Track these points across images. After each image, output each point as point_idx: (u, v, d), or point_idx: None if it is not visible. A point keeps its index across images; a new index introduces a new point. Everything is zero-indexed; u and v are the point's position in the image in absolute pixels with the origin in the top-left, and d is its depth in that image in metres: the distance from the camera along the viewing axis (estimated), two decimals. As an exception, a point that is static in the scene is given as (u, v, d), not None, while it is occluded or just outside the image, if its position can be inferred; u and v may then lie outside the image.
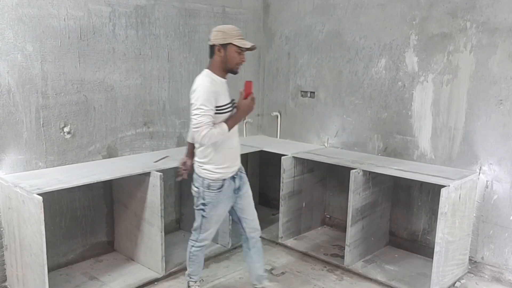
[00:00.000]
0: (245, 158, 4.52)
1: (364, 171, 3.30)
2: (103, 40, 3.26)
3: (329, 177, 4.19)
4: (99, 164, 3.23)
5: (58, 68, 3.04)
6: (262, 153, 4.29)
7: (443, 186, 2.84)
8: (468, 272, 3.32)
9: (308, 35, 4.14)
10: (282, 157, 3.68)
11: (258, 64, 4.58)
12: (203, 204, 2.57)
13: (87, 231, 3.41)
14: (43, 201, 2.44)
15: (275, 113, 4.52)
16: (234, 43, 2.38)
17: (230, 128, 2.42)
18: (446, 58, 3.30)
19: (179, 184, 4.00)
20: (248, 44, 2.42)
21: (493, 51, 3.07)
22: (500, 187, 3.15)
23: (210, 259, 3.48)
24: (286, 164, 3.69)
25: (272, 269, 3.35)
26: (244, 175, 2.69)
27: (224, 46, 2.40)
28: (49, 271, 2.62)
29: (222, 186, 2.52)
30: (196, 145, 2.54)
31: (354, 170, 3.26)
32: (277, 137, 4.56)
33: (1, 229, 2.88)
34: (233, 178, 2.58)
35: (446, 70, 3.31)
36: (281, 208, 3.77)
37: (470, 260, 3.33)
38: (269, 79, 4.56)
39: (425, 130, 3.47)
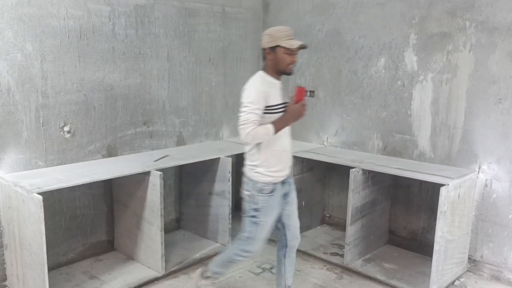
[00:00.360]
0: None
1: (363, 170, 3.31)
2: (102, 39, 3.26)
3: (328, 176, 4.19)
4: (99, 163, 3.24)
5: (58, 67, 3.04)
6: (261, 152, 4.29)
7: (443, 185, 2.85)
8: (467, 270, 3.33)
9: (307, 34, 4.14)
10: (282, 156, 3.68)
11: (258, 64, 4.57)
12: (256, 210, 2.46)
13: (87, 230, 3.41)
14: (43, 200, 2.45)
15: (274, 112, 4.52)
16: (281, 45, 2.35)
17: (276, 130, 2.36)
18: (445, 57, 3.31)
19: (179, 183, 4.00)
20: (295, 45, 2.35)
21: (492, 50, 3.08)
22: (499, 186, 3.16)
23: (210, 258, 3.48)
24: (286, 163, 3.69)
25: (272, 268, 3.36)
26: (292, 181, 2.64)
27: (273, 48, 2.38)
28: (49, 270, 2.62)
29: (273, 190, 2.47)
30: (246, 148, 2.50)
31: (353, 169, 3.27)
32: (276, 136, 4.55)
33: (1, 228, 2.88)
34: (282, 183, 2.53)
35: (445, 69, 3.32)
36: (281, 207, 3.77)
37: (469, 258, 3.34)
38: (268, 78, 4.56)
39: (424, 129, 3.48)
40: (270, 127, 2.35)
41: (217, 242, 3.70)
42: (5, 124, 2.85)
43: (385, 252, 3.67)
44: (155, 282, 3.13)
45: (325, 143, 4.15)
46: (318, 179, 4.10)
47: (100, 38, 3.24)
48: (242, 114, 2.33)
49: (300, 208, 3.91)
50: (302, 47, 2.39)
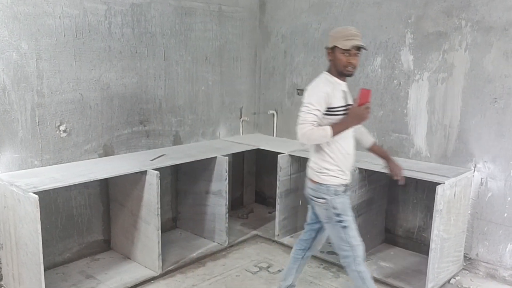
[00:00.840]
0: (242, 157, 4.53)
1: (360, 168, 3.31)
2: (98, 38, 3.25)
3: (325, 175, 4.19)
4: (95, 162, 3.23)
5: (54, 66, 3.03)
6: (258, 151, 4.29)
7: (438, 184, 2.86)
8: (463, 268, 3.35)
9: (304, 33, 4.14)
10: (279, 155, 3.68)
11: (255, 63, 4.58)
12: (338, 215, 2.38)
13: (83, 229, 3.40)
14: (39, 200, 2.44)
15: (271, 112, 4.53)
16: (337, 45, 2.31)
17: (335, 133, 2.27)
18: (441, 57, 3.32)
19: (176, 182, 4.00)
20: (347, 45, 2.26)
21: (487, 49, 3.09)
22: (494, 184, 3.17)
23: (207, 257, 3.49)
24: (283, 162, 3.69)
25: (269, 266, 3.36)
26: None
27: (332, 49, 2.35)
28: (45, 269, 2.60)
29: (346, 190, 2.44)
30: (313, 151, 2.45)
31: (350, 168, 3.27)
32: (273, 135, 4.56)
33: (-3, 228, 2.88)
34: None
35: (441, 69, 3.33)
36: (278, 206, 3.77)
37: (465, 257, 3.36)
38: (265, 78, 4.57)
39: (420, 128, 3.49)
40: (328, 129, 2.27)
41: (214, 241, 3.70)
42: (0, 123, 2.83)
43: (382, 250, 3.68)
44: (152, 281, 3.12)
45: (322, 142, 4.15)
46: (314, 178, 4.10)
47: (96, 37, 3.23)
48: (301, 113, 2.30)
49: (297, 207, 3.95)
50: (357, 47, 2.29)
